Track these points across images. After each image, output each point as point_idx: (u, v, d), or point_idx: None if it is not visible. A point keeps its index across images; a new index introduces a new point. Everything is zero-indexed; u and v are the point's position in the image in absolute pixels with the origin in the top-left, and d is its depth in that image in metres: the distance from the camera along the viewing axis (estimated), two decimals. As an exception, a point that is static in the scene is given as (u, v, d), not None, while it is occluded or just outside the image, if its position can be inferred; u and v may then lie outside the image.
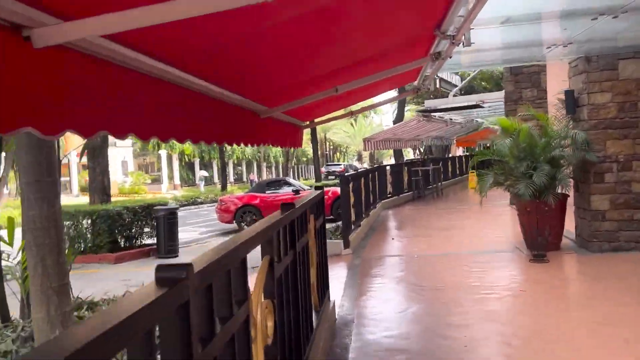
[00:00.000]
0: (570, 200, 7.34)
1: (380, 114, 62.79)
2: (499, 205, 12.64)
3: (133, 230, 9.32)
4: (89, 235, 8.85)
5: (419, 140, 18.63)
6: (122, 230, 8.89)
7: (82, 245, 8.94)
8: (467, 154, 33.95)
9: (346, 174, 8.22)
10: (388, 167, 14.48)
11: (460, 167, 24.38)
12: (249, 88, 3.55)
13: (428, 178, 18.11)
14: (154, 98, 2.14)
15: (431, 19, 3.83)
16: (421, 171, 16.87)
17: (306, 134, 48.46)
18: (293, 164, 63.18)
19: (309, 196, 3.97)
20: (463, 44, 4.10)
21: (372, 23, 3.46)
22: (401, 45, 4.32)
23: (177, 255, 8.87)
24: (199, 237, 13.13)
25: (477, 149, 36.41)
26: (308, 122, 6.60)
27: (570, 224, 7.41)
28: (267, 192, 13.62)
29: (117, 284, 6.89)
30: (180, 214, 19.71)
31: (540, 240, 6.61)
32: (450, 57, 4.50)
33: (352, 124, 50.57)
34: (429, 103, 13.41)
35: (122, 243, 9.15)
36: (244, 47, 2.75)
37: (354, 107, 7.66)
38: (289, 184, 13.91)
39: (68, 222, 8.87)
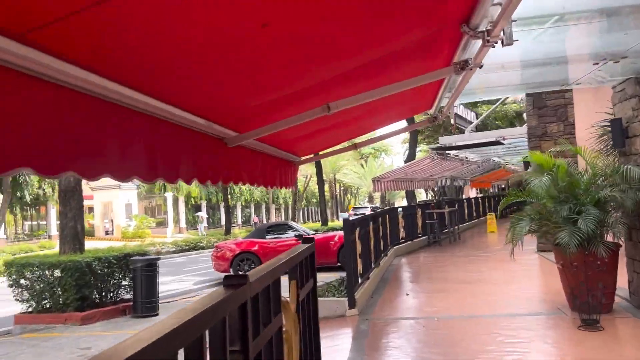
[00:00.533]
0: (621, 251, 6.08)
1: (392, 155, 61.96)
2: (524, 252, 11.32)
3: (112, 283, 8.11)
4: (57, 290, 7.67)
5: (432, 180, 17.45)
6: (92, 285, 7.68)
7: (49, 302, 7.76)
8: (482, 195, 32.66)
9: (351, 219, 7.02)
10: (400, 210, 13.28)
11: (477, 208, 23.05)
12: (206, 104, 2.47)
13: (444, 221, 16.84)
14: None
15: (455, 10, 2.75)
16: (436, 214, 15.61)
17: (313, 174, 47.50)
18: (302, 206, 62.17)
19: (287, 255, 2.79)
20: (502, 42, 2.98)
21: (373, 20, 2.38)
22: (413, 50, 3.22)
23: (157, 314, 7.64)
24: (192, 287, 11.89)
25: (492, 191, 35.08)
26: (303, 158, 5.51)
27: (621, 279, 6.12)
28: (267, 237, 12.43)
29: (71, 355, 5.67)
30: (178, 260, 18.50)
31: (590, 301, 5.32)
32: (481, 67, 3.37)
33: (362, 165, 49.64)
34: (444, 140, 12.35)
35: (98, 299, 7.94)
36: (190, 41, 1.72)
37: (358, 140, 6.58)
38: (292, 228, 12.72)
39: (32, 275, 7.73)
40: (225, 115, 2.79)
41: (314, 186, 62.92)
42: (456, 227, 15.77)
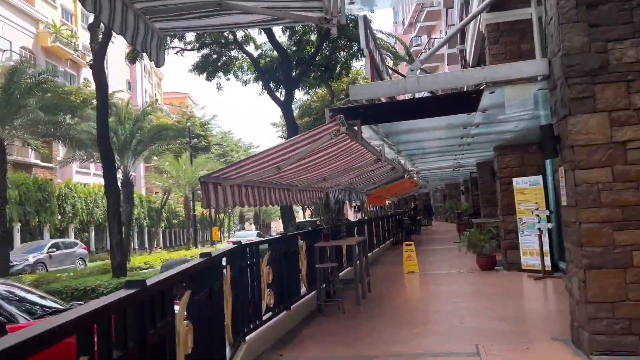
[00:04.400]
0: None
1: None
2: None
3: None
4: None
5: (322, 190, 10.69)
6: None
7: None
8: (366, 217, 25.87)
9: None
10: (268, 251, 6.20)
11: (376, 234, 16.79)
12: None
13: (341, 260, 10.13)
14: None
15: None
16: (330, 250, 8.80)
17: (175, 188, 38.81)
18: (163, 227, 52.79)
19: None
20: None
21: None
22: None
23: None
24: None
25: (370, 209, 28.23)
26: None
27: None
28: None
29: None
30: None
31: None
32: None
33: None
34: (360, 91, 5.46)
35: None
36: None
37: None
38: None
39: None
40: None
41: (176, 205, 53.78)
42: (363, 270, 9.00)
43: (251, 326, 5.45)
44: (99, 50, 13.12)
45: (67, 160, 27.52)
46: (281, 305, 6.53)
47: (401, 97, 6.54)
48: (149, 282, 2.40)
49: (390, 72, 12.32)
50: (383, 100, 6.06)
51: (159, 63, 4.90)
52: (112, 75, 50.52)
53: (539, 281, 9.10)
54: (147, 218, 47.86)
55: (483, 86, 5.16)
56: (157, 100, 61.51)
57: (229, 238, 65.00)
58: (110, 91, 47.40)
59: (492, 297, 7.93)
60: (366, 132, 7.34)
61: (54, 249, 25.28)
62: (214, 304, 3.83)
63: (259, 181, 6.91)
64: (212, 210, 57.08)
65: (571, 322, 5.08)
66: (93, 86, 42.14)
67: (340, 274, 9.82)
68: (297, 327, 6.68)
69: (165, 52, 20.97)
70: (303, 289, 7.72)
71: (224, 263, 4.69)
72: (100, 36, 13.01)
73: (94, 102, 32.03)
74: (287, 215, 18.98)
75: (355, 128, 6.03)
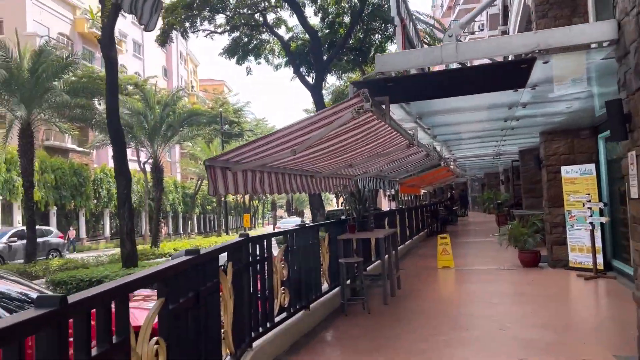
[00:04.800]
0: None
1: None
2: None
3: None
4: None
5: (350, 177, 9.94)
6: None
7: None
8: (403, 206, 24.93)
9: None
10: (285, 241, 5.55)
11: (409, 225, 15.94)
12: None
13: (369, 253, 9.42)
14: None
15: None
16: (357, 242, 8.11)
17: (204, 173, 38.73)
18: (197, 213, 53.14)
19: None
20: None
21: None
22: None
23: None
24: None
25: (405, 198, 27.07)
26: None
27: None
28: None
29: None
30: None
31: None
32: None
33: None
34: (390, 60, 4.72)
35: None
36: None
37: None
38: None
39: None
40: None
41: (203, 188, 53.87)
42: (392, 264, 8.23)
43: (260, 330, 4.81)
44: (108, 23, 12.54)
45: (95, 145, 27.50)
46: (298, 305, 5.87)
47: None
48: (74, 299, 1.74)
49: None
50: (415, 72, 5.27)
51: (149, 27, 4.27)
52: (148, 61, 50.82)
53: (590, 281, 8.15)
54: (181, 204, 48.17)
55: (536, 54, 4.31)
56: (192, 87, 61.71)
57: (262, 225, 64.86)
58: (144, 76, 47.72)
59: (537, 300, 7.07)
60: (397, 112, 6.55)
61: (15, 238, 20.80)
62: (202, 310, 3.17)
63: (276, 166, 6.23)
64: (247, 196, 57.03)
65: (638, 338, 4.23)
66: (128, 72, 42.26)
67: (368, 268, 9.12)
68: (316, 328, 6.02)
69: (194, 34, 19.88)
70: (325, 286, 7.04)
71: (224, 260, 4.04)
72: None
73: (129, 87, 32.14)
74: (316, 203, 18.31)
75: (383, 106, 5.27)
